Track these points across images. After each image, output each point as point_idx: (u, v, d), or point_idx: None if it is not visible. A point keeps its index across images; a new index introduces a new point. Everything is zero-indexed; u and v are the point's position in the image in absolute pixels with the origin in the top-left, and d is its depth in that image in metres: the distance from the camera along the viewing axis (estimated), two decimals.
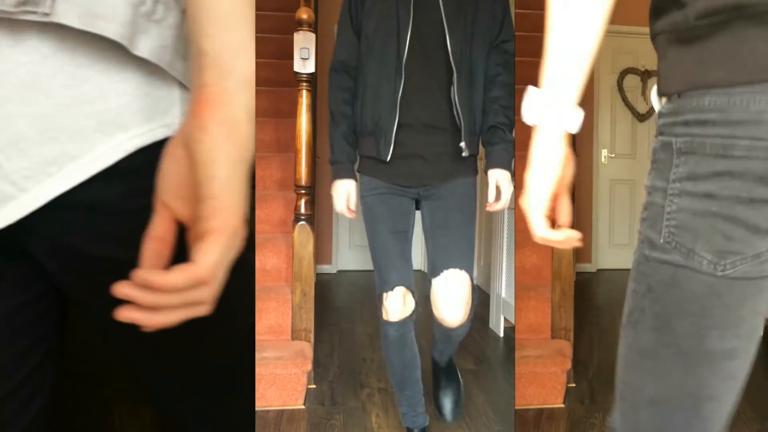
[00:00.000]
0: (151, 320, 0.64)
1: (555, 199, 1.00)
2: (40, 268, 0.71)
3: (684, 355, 0.86)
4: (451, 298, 2.15)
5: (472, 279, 2.19)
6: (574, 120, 0.93)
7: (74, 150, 0.67)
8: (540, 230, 0.98)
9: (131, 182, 0.72)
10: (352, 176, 2.18)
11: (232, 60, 0.66)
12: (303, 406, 2.87)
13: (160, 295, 0.63)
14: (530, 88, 0.94)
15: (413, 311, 2.19)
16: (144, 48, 0.68)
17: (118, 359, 0.81)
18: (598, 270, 5.40)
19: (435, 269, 2.17)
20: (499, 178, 2.29)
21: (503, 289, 3.77)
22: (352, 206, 2.19)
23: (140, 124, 0.71)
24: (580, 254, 5.32)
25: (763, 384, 3.14)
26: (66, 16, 0.63)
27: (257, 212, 3.74)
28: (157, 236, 0.67)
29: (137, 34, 0.66)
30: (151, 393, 0.91)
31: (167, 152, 0.67)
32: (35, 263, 0.73)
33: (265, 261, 3.47)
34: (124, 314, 0.64)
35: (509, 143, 2.33)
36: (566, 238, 0.99)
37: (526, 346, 2.98)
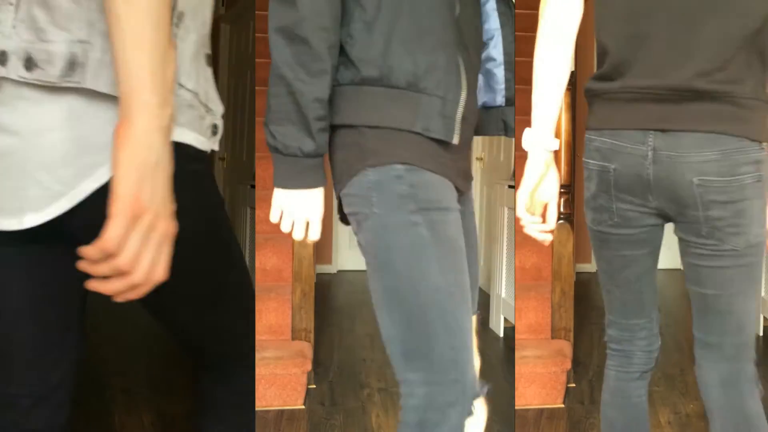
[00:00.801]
0: (100, 287, 0.92)
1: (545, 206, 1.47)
2: (74, 253, 0.93)
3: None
4: None
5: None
6: (553, 145, 1.57)
7: (102, 158, 0.98)
8: (525, 225, 1.51)
9: None
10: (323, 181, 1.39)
11: (130, 86, 0.91)
12: (303, 406, 2.87)
13: (92, 266, 0.91)
14: (526, 130, 1.56)
15: None
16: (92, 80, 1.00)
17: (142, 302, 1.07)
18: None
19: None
20: None
21: (503, 289, 3.77)
22: (316, 233, 1.44)
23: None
24: (580, 254, 5.32)
25: (763, 383, 3.14)
26: (96, 84, 0.97)
27: (257, 212, 3.74)
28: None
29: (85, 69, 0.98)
30: (170, 317, 1.21)
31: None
32: (71, 249, 0.97)
33: (265, 261, 3.47)
34: (89, 285, 0.93)
35: None
36: (542, 235, 1.51)
37: (526, 347, 2.98)
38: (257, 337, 3.10)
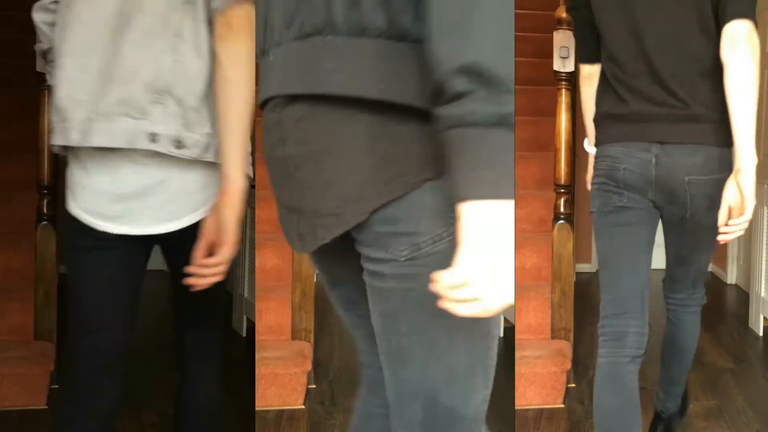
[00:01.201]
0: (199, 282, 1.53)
1: None
2: (148, 250, 1.67)
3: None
4: None
5: None
6: (592, 150, 2.00)
7: (197, 203, 1.59)
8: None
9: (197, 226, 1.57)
10: None
11: (230, 167, 1.48)
12: (303, 406, 2.87)
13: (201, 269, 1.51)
14: (585, 141, 2.11)
15: None
16: (210, 157, 1.53)
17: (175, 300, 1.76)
18: (598, 270, 5.41)
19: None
20: None
21: None
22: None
23: (208, 197, 1.56)
24: (579, 254, 5.32)
25: (763, 384, 3.14)
26: (213, 158, 1.54)
27: (257, 212, 3.74)
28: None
29: (208, 150, 1.54)
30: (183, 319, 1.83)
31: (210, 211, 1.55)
32: (148, 247, 1.67)
33: (265, 261, 3.47)
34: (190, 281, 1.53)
35: None
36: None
37: (526, 347, 2.98)
38: (257, 337, 3.10)
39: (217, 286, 1.55)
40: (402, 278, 1.06)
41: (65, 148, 1.57)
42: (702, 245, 1.92)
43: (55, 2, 1.57)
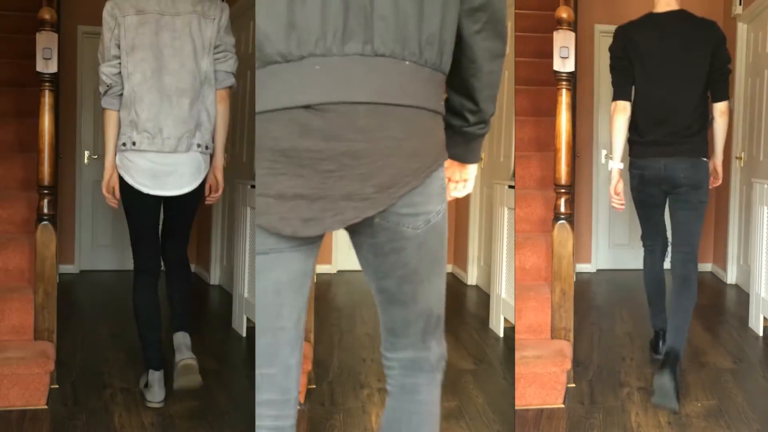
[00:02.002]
0: None
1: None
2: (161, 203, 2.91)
3: None
4: None
5: None
6: (620, 165, 3.06)
7: (191, 178, 2.89)
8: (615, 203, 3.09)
9: None
10: None
11: (219, 152, 2.88)
12: (302, 406, 2.87)
13: None
14: (611, 162, 3.09)
15: None
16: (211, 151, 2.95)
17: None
18: (598, 270, 5.39)
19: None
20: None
21: (503, 289, 3.77)
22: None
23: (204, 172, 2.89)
24: (579, 254, 5.32)
25: (763, 384, 3.14)
26: (210, 149, 2.95)
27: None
28: None
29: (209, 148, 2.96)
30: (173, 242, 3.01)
31: None
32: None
33: None
34: None
35: None
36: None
37: (526, 347, 2.98)
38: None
39: (193, 215, 2.96)
40: (418, 244, 1.49)
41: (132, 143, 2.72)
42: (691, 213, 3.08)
43: (117, 58, 2.72)
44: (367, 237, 1.49)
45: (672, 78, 2.96)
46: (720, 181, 3.18)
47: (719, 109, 3.02)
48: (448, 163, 1.62)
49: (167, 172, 2.73)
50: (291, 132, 1.35)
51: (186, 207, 2.90)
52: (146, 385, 2.88)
